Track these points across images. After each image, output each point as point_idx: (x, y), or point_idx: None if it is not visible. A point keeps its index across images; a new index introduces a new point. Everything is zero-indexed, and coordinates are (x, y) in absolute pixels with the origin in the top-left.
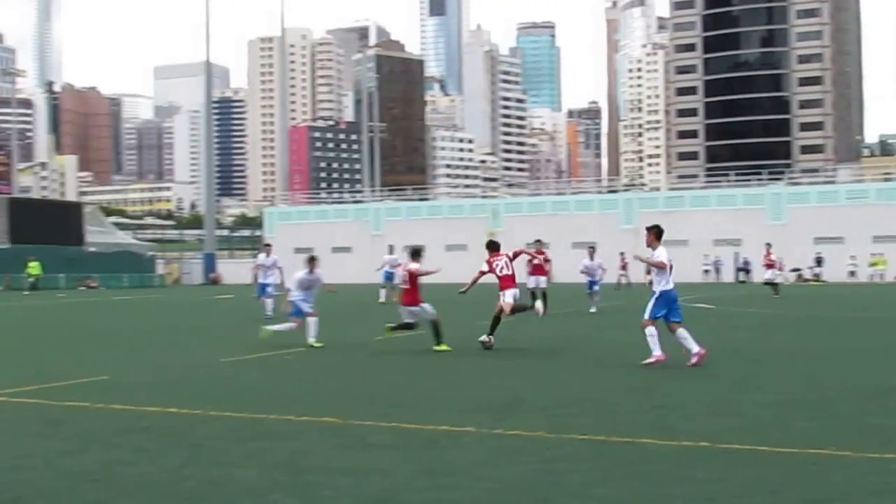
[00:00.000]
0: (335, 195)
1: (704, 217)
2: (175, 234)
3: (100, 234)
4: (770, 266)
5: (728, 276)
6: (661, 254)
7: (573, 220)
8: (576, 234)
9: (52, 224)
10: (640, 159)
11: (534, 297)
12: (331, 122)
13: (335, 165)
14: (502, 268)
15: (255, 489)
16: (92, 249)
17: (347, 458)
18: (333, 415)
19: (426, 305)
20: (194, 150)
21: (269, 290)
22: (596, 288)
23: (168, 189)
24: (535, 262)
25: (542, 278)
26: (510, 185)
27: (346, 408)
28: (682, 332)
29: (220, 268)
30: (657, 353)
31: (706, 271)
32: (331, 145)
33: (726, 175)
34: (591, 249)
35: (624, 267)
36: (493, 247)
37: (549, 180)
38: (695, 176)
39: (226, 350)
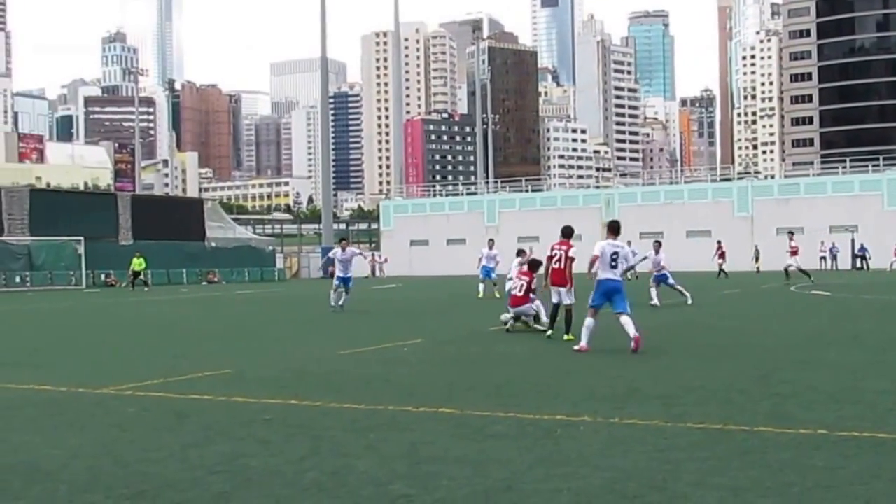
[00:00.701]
0: (450, 187)
1: (820, 204)
2: (293, 228)
3: (220, 230)
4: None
5: (845, 263)
6: (596, 247)
7: (687, 208)
8: (690, 222)
9: (174, 220)
10: (755, 147)
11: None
12: (445, 115)
13: (449, 158)
14: (559, 259)
15: (375, 479)
16: (213, 245)
17: (465, 448)
18: (451, 405)
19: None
20: (311, 145)
21: (350, 284)
22: (671, 282)
23: (286, 184)
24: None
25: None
26: (623, 175)
27: (462, 398)
28: (623, 320)
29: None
30: (583, 342)
31: (822, 258)
32: (445, 138)
33: (842, 161)
34: (658, 244)
35: (722, 255)
36: (567, 233)
37: (662, 169)
38: (810, 163)
39: (343, 342)
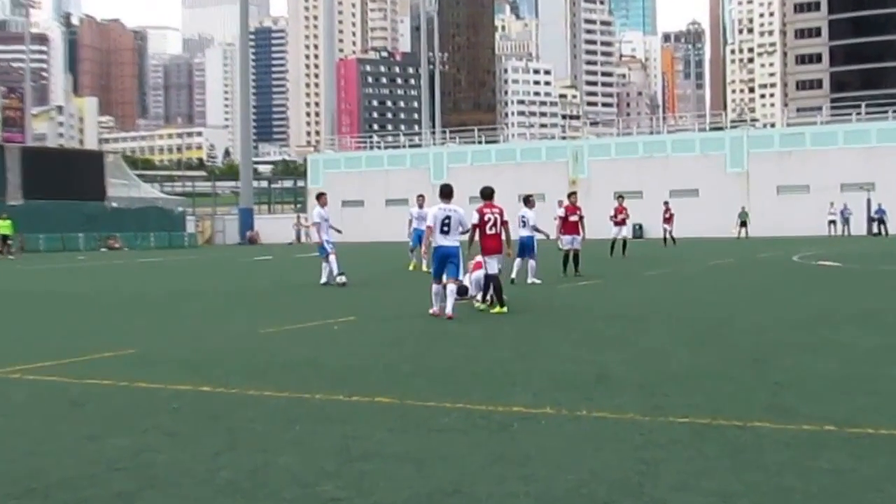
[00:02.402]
0: (389, 139)
1: (830, 157)
2: (207, 186)
3: (123, 188)
4: None
5: (859, 227)
6: (428, 212)
7: (671, 163)
8: (674, 180)
9: (70, 177)
10: (751, 90)
11: (566, 261)
12: (384, 54)
13: (389, 104)
14: (493, 225)
15: (301, 479)
16: (114, 205)
17: (406, 444)
18: (389, 394)
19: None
20: (228, 90)
21: (330, 246)
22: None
23: (199, 135)
24: (572, 219)
25: (578, 238)
26: (595, 124)
27: (403, 386)
28: (450, 288)
29: (259, 225)
30: (434, 307)
31: (832, 222)
32: (384, 81)
33: (856, 107)
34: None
35: (669, 219)
36: (488, 194)
37: (640, 117)
38: (817, 109)
39: (265, 320)
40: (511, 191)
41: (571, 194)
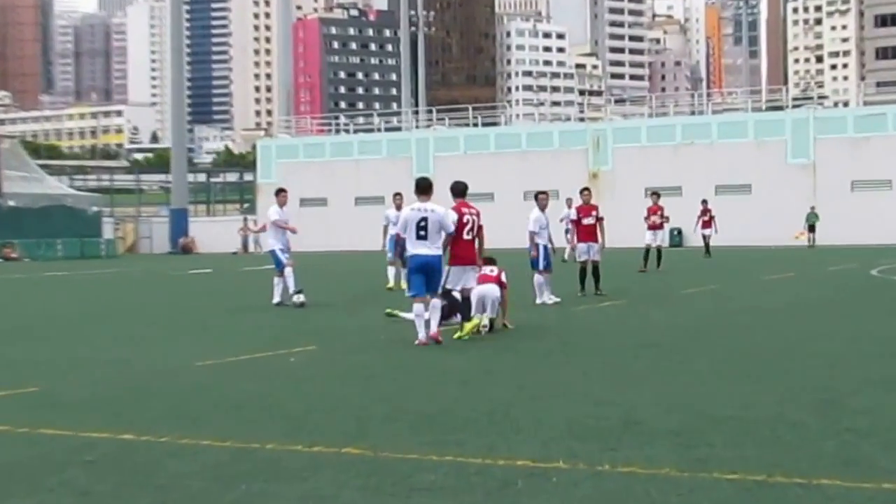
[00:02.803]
0: (360, 120)
1: None
2: (130, 180)
3: (23, 182)
4: None
5: None
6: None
7: (717, 152)
8: (721, 173)
9: None
10: (819, 60)
11: (584, 275)
12: (354, 13)
13: (360, 76)
14: (470, 229)
15: None
16: (11, 203)
17: None
18: (360, 443)
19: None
20: (156, 58)
21: (286, 256)
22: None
23: (119, 114)
24: (587, 222)
25: (596, 246)
26: (621, 102)
27: (377, 433)
28: (434, 303)
29: (195, 230)
30: (420, 336)
31: None
32: (354, 47)
33: None
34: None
35: (708, 223)
36: (461, 190)
37: (679, 93)
38: None
39: (203, 349)
40: (514, 186)
41: (584, 190)
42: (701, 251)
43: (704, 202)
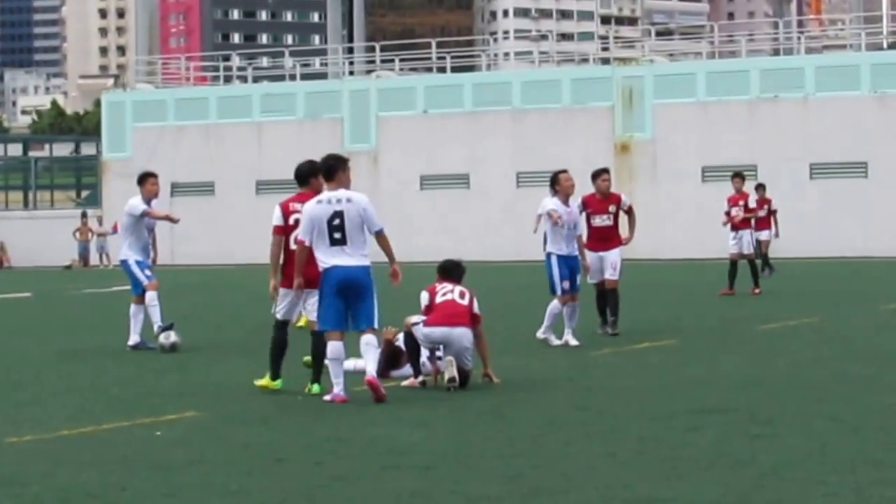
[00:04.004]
0: (264, 62)
1: None
2: None
3: None
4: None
5: None
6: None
7: (813, 111)
8: (819, 143)
9: None
10: None
11: (603, 302)
12: None
13: None
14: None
15: None
16: None
17: None
18: None
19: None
20: None
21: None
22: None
23: None
24: (599, 221)
25: (615, 255)
26: (666, 35)
27: None
28: (366, 339)
29: (5, 231)
30: (336, 388)
31: None
32: None
33: None
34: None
35: (766, 220)
36: (302, 176)
37: (755, 21)
38: None
39: (18, 419)
40: (502, 164)
41: (600, 173)
42: (789, 263)
43: (761, 189)
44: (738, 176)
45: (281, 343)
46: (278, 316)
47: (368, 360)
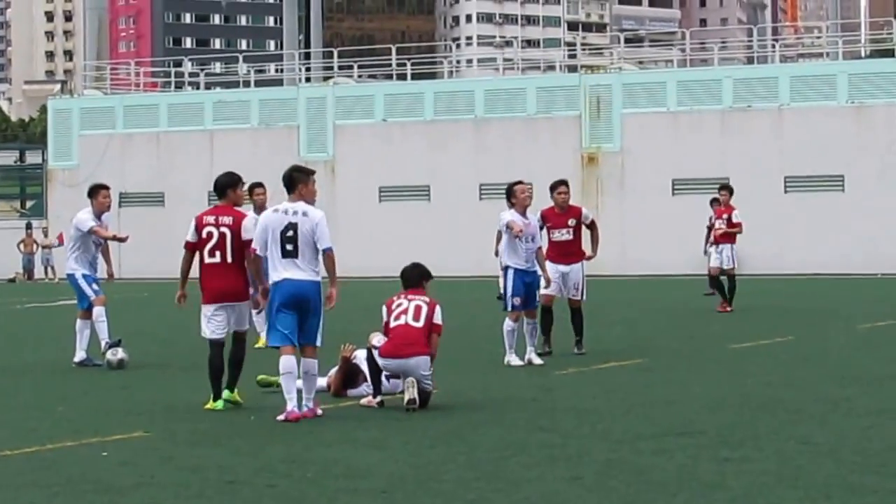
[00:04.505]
0: (217, 68)
1: None
2: None
3: None
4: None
5: None
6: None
7: (788, 121)
8: (794, 155)
9: None
10: None
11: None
12: None
13: None
14: (216, 247)
15: None
16: None
17: None
18: None
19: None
20: None
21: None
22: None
23: None
24: (559, 236)
25: (577, 270)
26: (635, 42)
27: None
28: (308, 364)
29: None
30: (289, 406)
31: None
32: None
33: None
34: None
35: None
36: (221, 188)
37: (728, 28)
38: None
39: None
40: (463, 176)
41: (557, 185)
42: (761, 280)
43: (719, 196)
44: (726, 188)
45: (213, 364)
46: (207, 336)
47: (305, 389)
